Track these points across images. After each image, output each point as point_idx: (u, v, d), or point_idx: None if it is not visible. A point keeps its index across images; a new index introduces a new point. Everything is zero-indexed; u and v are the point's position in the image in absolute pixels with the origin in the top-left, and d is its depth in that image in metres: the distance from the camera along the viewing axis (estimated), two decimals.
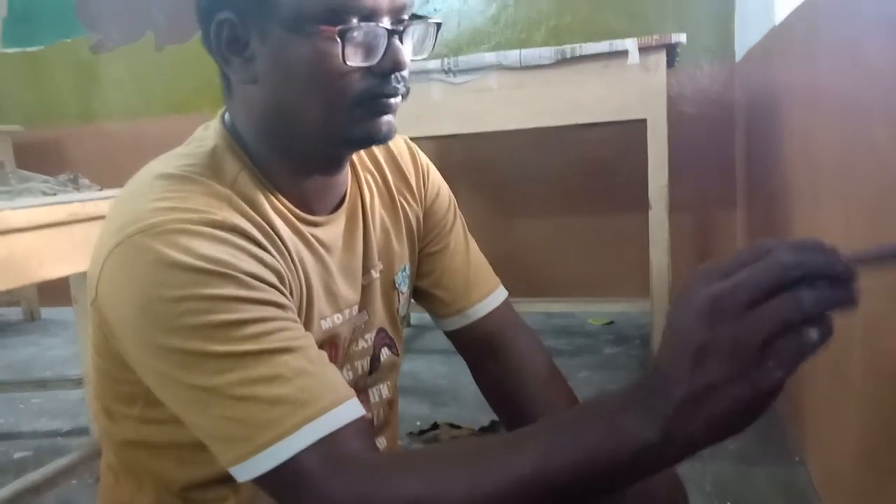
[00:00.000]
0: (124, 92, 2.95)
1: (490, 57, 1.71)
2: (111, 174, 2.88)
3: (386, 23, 0.60)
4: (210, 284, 0.54)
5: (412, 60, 0.65)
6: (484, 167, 2.50)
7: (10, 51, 3.05)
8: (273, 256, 0.61)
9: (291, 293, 0.63)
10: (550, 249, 2.50)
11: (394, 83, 0.61)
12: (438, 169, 0.87)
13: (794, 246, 0.41)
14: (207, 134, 0.68)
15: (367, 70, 0.60)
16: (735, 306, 0.40)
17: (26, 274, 0.99)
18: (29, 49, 3.03)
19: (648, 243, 1.73)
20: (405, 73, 0.62)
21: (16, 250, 0.97)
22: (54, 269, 1.05)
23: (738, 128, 2.26)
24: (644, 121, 1.66)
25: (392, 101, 0.63)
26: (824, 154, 1.08)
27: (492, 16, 2.50)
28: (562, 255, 2.49)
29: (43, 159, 3.01)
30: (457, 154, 2.51)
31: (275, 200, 0.65)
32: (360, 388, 0.79)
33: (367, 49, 0.59)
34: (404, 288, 0.83)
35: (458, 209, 0.89)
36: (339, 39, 0.57)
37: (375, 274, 0.78)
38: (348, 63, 0.58)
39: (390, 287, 0.81)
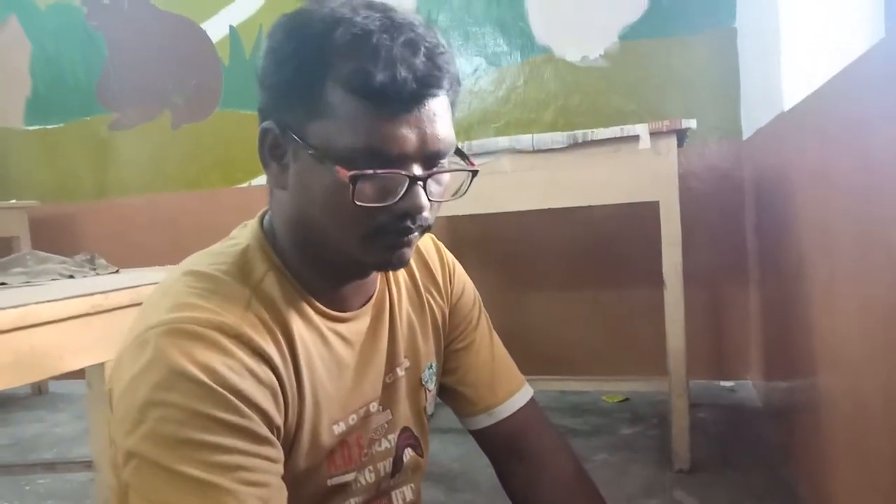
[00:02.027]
0: (140, 169, 3.00)
1: (503, 141, 1.74)
2: (125, 249, 2.93)
3: (414, 167, 0.60)
4: (196, 398, 0.55)
5: (445, 201, 0.66)
6: (495, 242, 2.52)
7: (30, 128, 3.13)
8: (274, 371, 0.61)
9: (287, 407, 0.63)
10: (562, 325, 2.49)
11: (408, 223, 0.62)
12: (449, 244, 0.88)
13: None
14: (243, 233, 0.70)
15: (383, 207, 0.60)
16: None
17: (48, 367, 0.99)
18: (49, 127, 3.11)
19: (661, 319, 1.72)
20: (425, 213, 0.62)
21: (38, 344, 0.97)
22: (75, 361, 1.04)
23: (747, 204, 2.29)
24: (656, 202, 1.68)
25: (404, 238, 0.64)
26: (839, 232, 1.09)
27: (502, 96, 2.56)
28: (573, 331, 2.48)
29: (58, 234, 3.06)
30: (468, 229, 2.53)
31: (300, 301, 0.67)
32: (383, 491, 0.78)
33: (385, 191, 0.60)
34: (431, 385, 0.83)
35: (482, 306, 0.89)
36: (350, 183, 0.58)
37: (401, 371, 0.78)
38: (358, 203, 0.59)
39: (417, 384, 0.81)
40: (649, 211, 1.75)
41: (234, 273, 0.64)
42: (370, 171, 0.58)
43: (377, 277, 0.76)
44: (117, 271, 1.78)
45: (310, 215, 0.63)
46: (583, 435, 1.98)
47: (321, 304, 0.68)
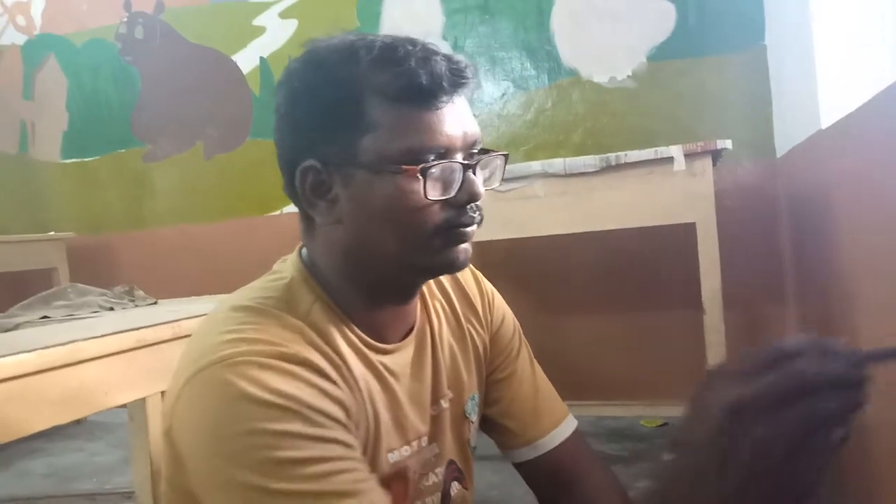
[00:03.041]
0: (173, 199, 3.05)
1: (535, 165, 1.75)
2: (160, 278, 2.97)
3: (459, 158, 0.64)
4: (279, 420, 0.55)
5: (485, 190, 0.68)
6: (526, 266, 2.51)
7: (67, 161, 3.20)
8: (341, 390, 0.62)
9: (357, 427, 0.64)
10: (597, 349, 2.46)
11: (470, 213, 0.65)
12: (480, 268, 0.88)
13: (810, 351, 0.44)
14: (284, 267, 0.71)
15: (444, 202, 0.64)
16: (758, 412, 0.42)
17: (95, 403, 1.00)
18: (85, 159, 3.18)
19: (698, 341, 1.70)
20: (479, 203, 0.66)
21: (86, 380, 0.98)
22: (120, 396, 1.06)
23: (782, 222, 2.25)
24: (691, 223, 1.66)
25: (468, 230, 0.66)
26: (881, 250, 1.07)
27: (529, 120, 2.56)
28: (609, 355, 2.45)
29: (94, 265, 3.11)
30: (498, 253, 2.52)
31: (346, 330, 0.68)
32: None
33: (445, 183, 0.64)
34: (474, 417, 0.82)
35: (522, 335, 0.89)
36: (420, 177, 0.62)
37: (445, 404, 0.77)
38: (429, 197, 0.62)
39: (460, 416, 0.80)
40: (684, 231, 1.73)
41: (281, 306, 0.65)
42: (435, 162, 0.62)
43: (416, 307, 0.76)
44: (155, 302, 1.81)
45: (369, 235, 0.65)
46: (622, 461, 1.95)
47: (365, 335, 0.69)
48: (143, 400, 1.23)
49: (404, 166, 0.61)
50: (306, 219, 0.70)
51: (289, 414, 0.56)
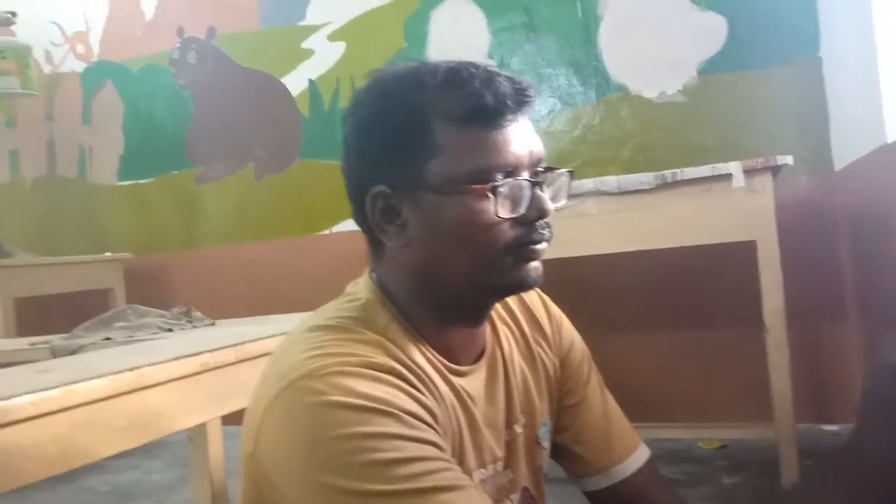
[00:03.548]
0: (226, 219, 3.11)
1: (588, 183, 1.73)
2: (213, 297, 3.02)
3: (526, 175, 0.65)
4: (372, 422, 0.56)
5: (558, 207, 0.69)
6: (580, 283, 2.47)
7: (123, 184, 3.29)
8: (427, 399, 0.63)
9: (445, 437, 0.64)
10: (652, 369, 2.41)
11: (539, 230, 0.66)
12: None
13: None
14: (357, 289, 0.72)
15: (514, 220, 0.64)
16: None
17: (161, 427, 1.02)
18: (140, 182, 3.26)
19: (757, 361, 1.65)
20: (548, 219, 0.67)
21: (151, 406, 1.00)
22: (185, 421, 1.07)
23: (842, 239, 2.18)
24: (749, 241, 1.62)
25: (539, 247, 0.67)
26: None
27: (577, 136, 2.55)
28: (665, 375, 2.39)
29: (150, 285, 3.18)
30: (550, 272, 2.49)
31: (423, 349, 0.68)
32: None
33: (514, 201, 0.64)
34: (546, 443, 0.81)
35: (592, 361, 0.87)
36: (489, 195, 0.63)
37: (519, 429, 0.77)
38: (499, 215, 0.63)
39: (533, 442, 0.79)
40: (740, 248, 1.69)
41: (360, 324, 0.67)
42: (505, 180, 0.63)
43: (486, 330, 0.76)
44: (213, 324, 1.83)
45: (440, 257, 0.66)
46: (681, 485, 1.90)
47: (439, 355, 0.69)
48: (203, 423, 1.25)
49: (474, 186, 0.62)
50: (375, 243, 0.71)
51: (382, 416, 0.56)
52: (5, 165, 3.47)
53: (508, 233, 0.64)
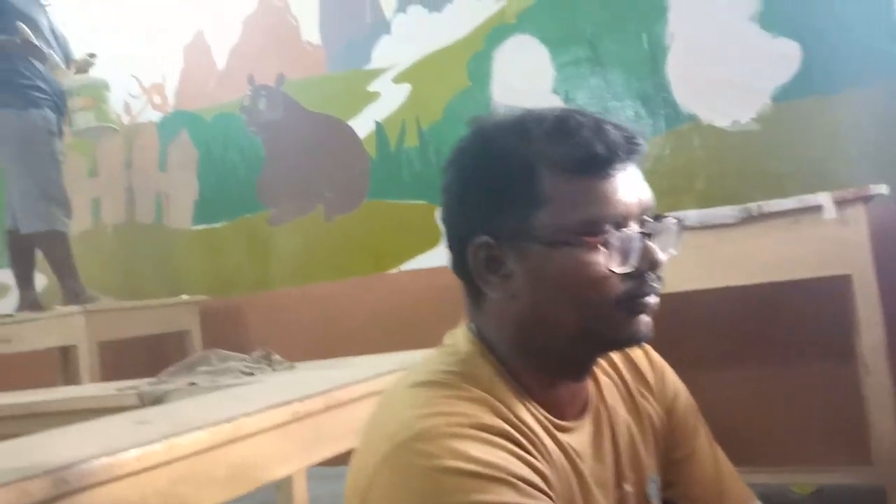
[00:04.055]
0: (297, 260, 3.17)
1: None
2: (285, 336, 3.07)
3: (635, 225, 0.63)
4: (489, 490, 0.54)
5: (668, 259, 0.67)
6: (661, 320, 2.40)
7: (198, 227, 3.40)
8: (539, 462, 0.61)
9: (558, 501, 0.62)
10: (741, 410, 2.30)
11: (651, 282, 0.64)
12: None
13: None
14: (457, 342, 0.71)
15: (624, 273, 0.62)
16: None
17: (256, 478, 1.02)
18: (214, 225, 3.36)
19: (850, 400, 1.56)
20: (660, 271, 0.65)
21: (247, 457, 1.01)
22: (278, 471, 1.07)
23: None
24: (844, 275, 1.55)
25: (650, 300, 0.65)
26: None
27: (648, 168, 2.46)
28: (754, 415, 2.29)
29: (225, 326, 3.26)
30: None
31: (528, 405, 0.66)
32: None
33: (624, 253, 0.63)
34: (656, 501, 0.78)
35: (699, 413, 0.84)
36: (601, 248, 0.61)
37: (628, 487, 0.74)
38: (612, 269, 0.61)
39: (643, 500, 0.76)
40: (831, 282, 1.61)
41: (464, 381, 0.65)
42: (616, 232, 0.61)
43: (588, 383, 0.74)
44: (292, 367, 1.86)
45: (546, 310, 0.64)
46: None
47: (544, 410, 0.67)
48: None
49: (586, 238, 0.61)
50: (475, 293, 0.70)
51: (498, 484, 0.55)
52: (87, 213, 3.63)
53: (619, 286, 0.63)
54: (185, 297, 3.21)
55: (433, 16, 2.83)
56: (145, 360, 3.48)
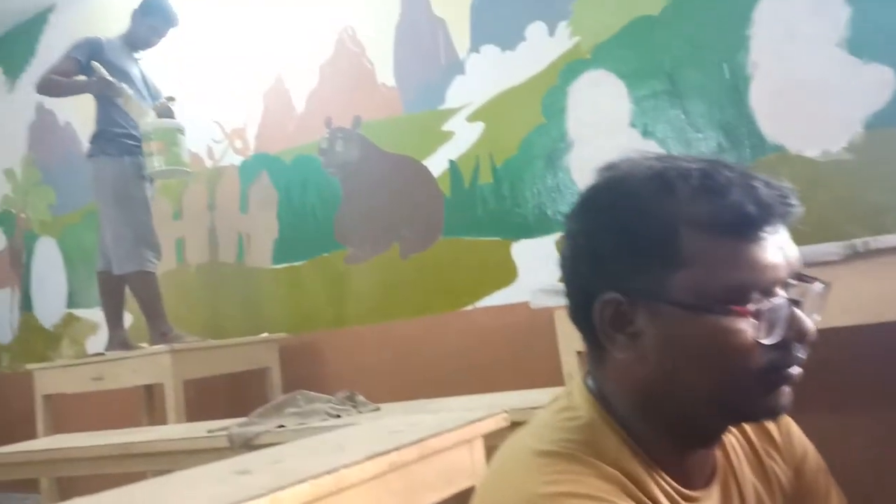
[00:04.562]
0: (373, 298, 3.19)
1: None
2: (363, 374, 3.08)
3: (782, 293, 0.59)
4: None
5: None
6: None
7: (278, 266, 3.48)
8: None
9: None
10: (883, 456, 2.14)
11: (797, 353, 0.60)
12: None
13: None
14: (575, 402, 0.68)
15: (776, 342, 0.58)
16: None
17: None
18: (293, 264, 3.44)
19: None
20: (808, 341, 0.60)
21: None
22: None
23: None
24: None
25: (794, 371, 0.60)
26: None
27: None
28: (873, 464, 2.14)
29: (304, 362, 3.31)
30: None
31: (656, 476, 0.63)
32: None
33: (772, 322, 0.58)
34: None
35: (829, 473, 0.78)
36: (750, 318, 0.57)
37: None
38: (759, 340, 0.57)
39: None
40: None
41: (589, 451, 0.62)
42: (765, 301, 0.57)
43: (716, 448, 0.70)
44: (377, 408, 1.86)
45: (679, 376, 0.61)
46: None
47: (671, 480, 0.64)
48: None
49: (731, 305, 0.57)
50: (597, 349, 0.67)
51: None
52: (172, 253, 3.77)
53: (762, 357, 0.59)
54: (265, 334, 3.27)
55: (506, 54, 2.85)
56: (226, 397, 3.56)
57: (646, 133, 2.55)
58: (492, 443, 1.31)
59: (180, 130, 3.07)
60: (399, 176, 3.13)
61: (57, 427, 3.22)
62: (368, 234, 3.21)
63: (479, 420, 1.27)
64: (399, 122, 3.15)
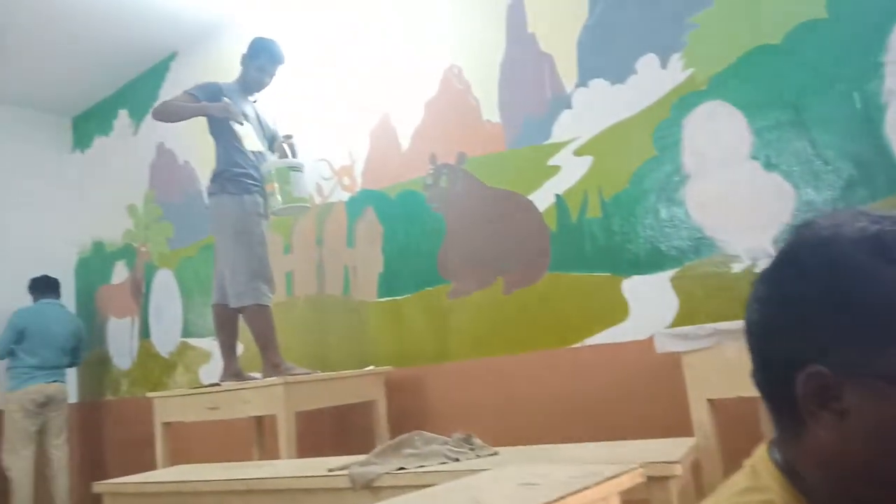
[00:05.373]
0: (476, 333, 3.18)
1: None
2: (465, 409, 3.07)
3: None
4: None
5: None
6: None
7: (382, 300, 3.53)
8: None
9: None
10: None
11: None
12: None
13: None
14: (763, 484, 0.63)
15: None
16: None
17: None
18: (398, 298, 3.48)
19: None
20: None
21: None
22: None
23: None
24: None
25: None
26: None
27: None
28: None
29: (408, 395, 3.32)
30: None
31: None
32: None
33: None
34: None
35: None
36: None
37: None
38: None
39: None
40: None
41: None
42: None
43: None
44: (496, 453, 1.83)
45: (889, 462, 0.56)
46: None
47: None
48: None
49: None
50: (792, 422, 0.62)
51: None
52: (282, 286, 3.90)
53: None
54: (371, 367, 3.31)
55: (616, 87, 2.81)
56: (333, 429, 3.62)
57: (768, 165, 2.44)
58: (627, 498, 1.26)
59: (295, 168, 3.19)
60: (504, 210, 3.12)
61: (172, 453, 3.35)
62: (472, 269, 3.21)
63: (616, 476, 1.22)
64: (504, 158, 3.15)
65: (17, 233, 5.32)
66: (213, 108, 3.11)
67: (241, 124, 3.14)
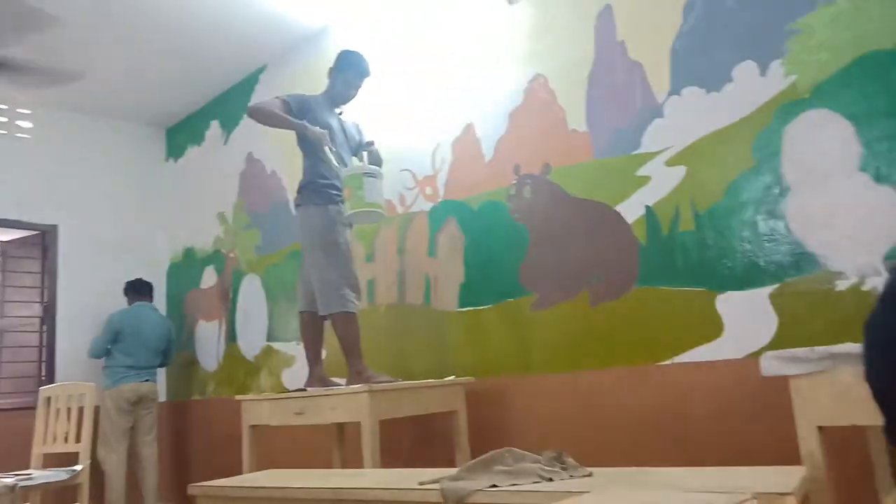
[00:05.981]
0: (560, 346, 3.13)
1: None
2: (549, 423, 3.02)
3: None
4: None
5: None
6: None
7: (463, 310, 3.52)
8: None
9: None
10: None
11: None
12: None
13: None
14: None
15: None
16: None
17: None
18: (479, 308, 3.46)
19: None
20: None
21: None
22: None
23: None
24: None
25: None
26: None
27: None
28: None
29: (487, 406, 3.30)
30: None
31: None
32: None
33: None
34: None
35: None
36: None
37: None
38: None
39: None
40: None
41: None
42: None
43: None
44: (590, 474, 1.78)
45: None
46: None
47: None
48: None
49: None
50: None
51: None
52: (364, 294, 3.95)
53: None
54: (452, 377, 3.30)
55: (711, 96, 2.72)
56: (413, 437, 3.63)
57: (879, 178, 2.30)
58: None
59: (369, 174, 3.15)
60: (590, 222, 3.07)
61: (256, 456, 3.42)
62: (556, 281, 3.16)
63: None
64: (590, 168, 3.09)
65: (113, 238, 5.61)
66: (312, 131, 3.17)
67: (333, 150, 3.20)
